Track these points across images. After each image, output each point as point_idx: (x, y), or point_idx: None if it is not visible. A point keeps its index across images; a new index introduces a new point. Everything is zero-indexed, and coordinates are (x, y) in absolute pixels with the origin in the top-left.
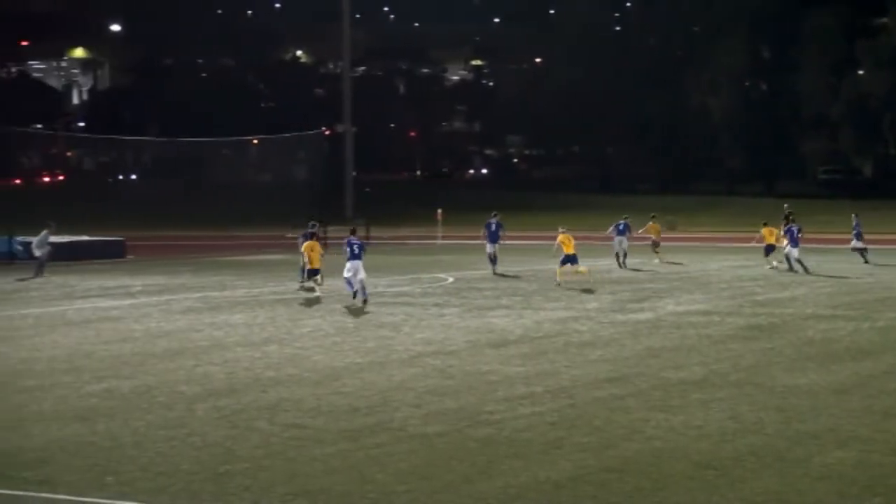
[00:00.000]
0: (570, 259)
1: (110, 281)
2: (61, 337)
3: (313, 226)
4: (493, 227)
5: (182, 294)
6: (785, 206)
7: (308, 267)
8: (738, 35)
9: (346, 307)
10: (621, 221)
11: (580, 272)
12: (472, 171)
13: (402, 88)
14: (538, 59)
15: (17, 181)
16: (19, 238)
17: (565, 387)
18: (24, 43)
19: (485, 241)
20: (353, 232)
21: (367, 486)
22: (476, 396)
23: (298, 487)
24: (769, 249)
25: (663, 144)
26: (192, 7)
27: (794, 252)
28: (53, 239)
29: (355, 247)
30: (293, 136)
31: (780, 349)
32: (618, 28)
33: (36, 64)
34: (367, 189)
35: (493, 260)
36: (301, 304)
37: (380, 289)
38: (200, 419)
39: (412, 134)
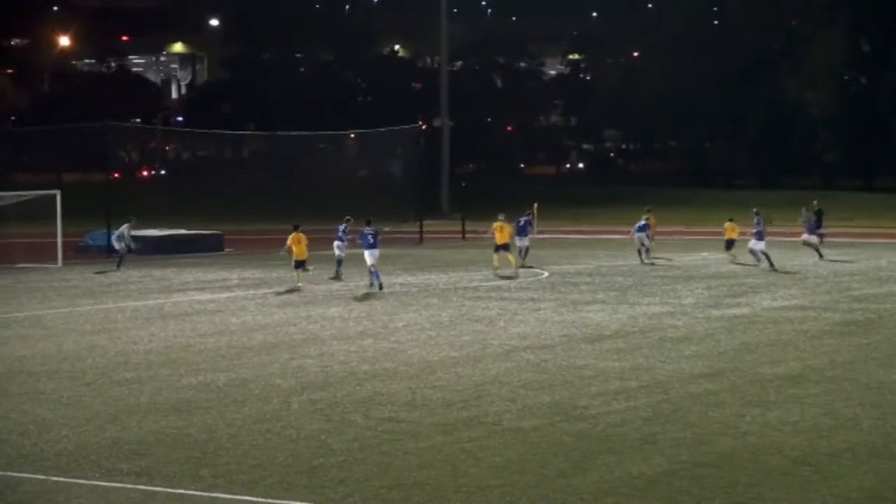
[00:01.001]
0: (503, 247)
1: (208, 274)
2: (158, 330)
3: (347, 222)
4: (522, 223)
5: (277, 287)
6: (814, 202)
7: (295, 258)
8: (838, 29)
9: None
10: (643, 218)
11: (509, 260)
12: (568, 166)
13: (499, 83)
14: (636, 54)
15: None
16: (116, 231)
17: (660, 382)
18: (124, 38)
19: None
20: (368, 223)
21: (461, 480)
22: (570, 391)
23: (392, 481)
24: (730, 244)
25: (760, 139)
26: (291, 1)
27: (758, 244)
28: (152, 233)
29: (369, 237)
30: (390, 130)
31: (876, 345)
32: (716, 22)
33: (135, 59)
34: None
35: (523, 254)
36: (398, 298)
37: (475, 283)
38: (295, 412)
39: (509, 128)
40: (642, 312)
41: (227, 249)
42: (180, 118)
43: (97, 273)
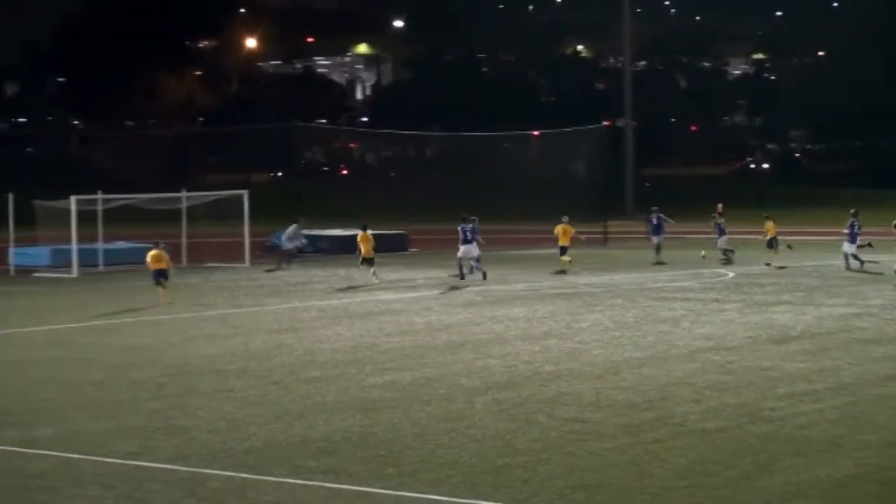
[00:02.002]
0: (563, 250)
1: (393, 274)
2: (344, 329)
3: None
4: (655, 220)
5: (462, 287)
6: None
7: (363, 256)
8: None
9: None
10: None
11: (563, 261)
12: (752, 166)
13: (682, 83)
14: (821, 53)
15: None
16: (303, 231)
17: (847, 384)
18: (310, 40)
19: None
20: (464, 220)
21: (646, 481)
22: (756, 392)
23: (577, 481)
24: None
25: None
26: (475, 2)
27: (849, 247)
28: (337, 232)
29: (468, 232)
30: (573, 130)
31: None
32: None
33: (321, 60)
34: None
35: (657, 250)
36: (582, 299)
37: (660, 284)
38: (480, 412)
39: (693, 128)
40: (828, 314)
41: (411, 249)
42: (365, 119)
43: (267, 271)
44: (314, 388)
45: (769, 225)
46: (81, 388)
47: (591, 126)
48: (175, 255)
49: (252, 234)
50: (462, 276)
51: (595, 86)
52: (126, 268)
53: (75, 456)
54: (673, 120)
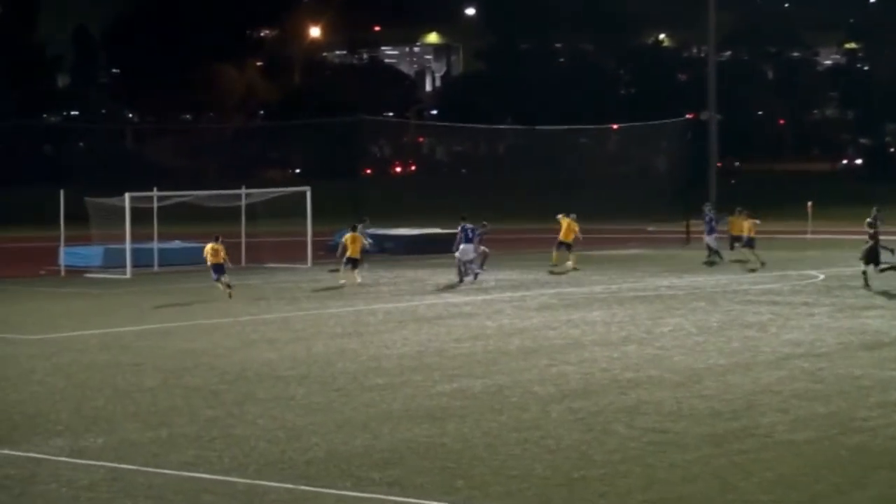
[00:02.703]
0: (565, 245)
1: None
2: (411, 333)
3: (483, 226)
4: (708, 218)
5: (536, 290)
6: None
7: (348, 256)
8: None
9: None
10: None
11: (565, 258)
12: (844, 161)
13: (769, 74)
14: None
15: (368, 171)
16: (370, 230)
17: None
18: (377, 28)
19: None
20: (463, 219)
21: (730, 494)
22: (848, 402)
23: (657, 495)
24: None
25: None
26: None
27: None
28: (404, 232)
29: (469, 231)
30: (654, 124)
31: None
32: None
33: (388, 50)
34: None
35: (712, 250)
36: (664, 302)
37: (745, 286)
38: (555, 421)
39: (781, 122)
40: None
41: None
42: (434, 112)
43: (331, 271)
44: (379, 396)
45: (748, 224)
46: (133, 395)
47: (673, 119)
48: (234, 255)
49: (314, 233)
50: (461, 280)
51: (677, 77)
52: (182, 268)
53: (126, 467)
54: (760, 113)
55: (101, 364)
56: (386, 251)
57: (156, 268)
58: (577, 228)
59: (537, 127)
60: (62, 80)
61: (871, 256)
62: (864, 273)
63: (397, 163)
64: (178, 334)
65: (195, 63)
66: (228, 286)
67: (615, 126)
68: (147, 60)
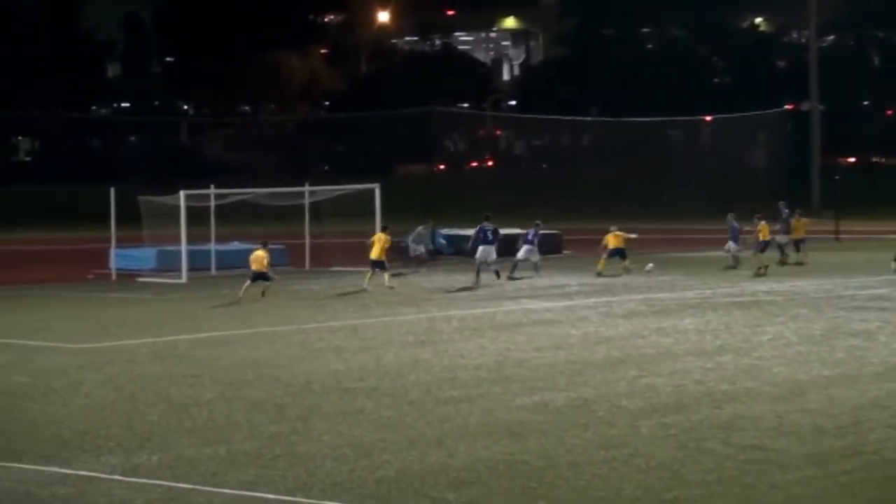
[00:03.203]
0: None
1: (544, 279)
2: (489, 342)
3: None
4: (786, 215)
5: (624, 295)
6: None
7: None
8: None
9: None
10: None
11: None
12: None
13: (876, 60)
14: None
15: (441, 167)
16: (443, 230)
17: None
18: (450, 13)
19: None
20: (486, 219)
21: None
22: None
23: None
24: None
25: None
26: None
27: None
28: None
29: (488, 233)
30: (751, 115)
31: None
32: None
33: (462, 36)
34: (837, 176)
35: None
36: (762, 308)
37: (850, 291)
38: (645, 438)
39: (889, 113)
40: None
41: (565, 252)
42: (512, 102)
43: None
44: (454, 410)
45: (762, 226)
46: (189, 408)
47: (772, 111)
48: (298, 257)
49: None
50: (477, 282)
51: (776, 64)
52: (242, 272)
53: (183, 486)
54: (865, 103)
55: (155, 375)
56: (461, 253)
57: (213, 271)
58: (627, 235)
59: (623, 119)
60: (112, 70)
61: None
62: None
63: (473, 158)
64: (238, 343)
65: (255, 51)
66: (262, 294)
67: (708, 118)
68: (203, 48)
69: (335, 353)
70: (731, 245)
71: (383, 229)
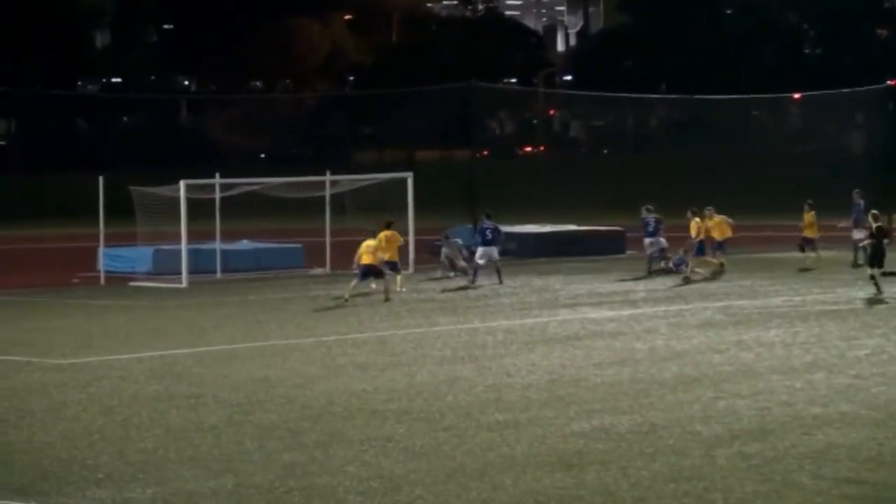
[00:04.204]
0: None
1: (605, 284)
2: (540, 357)
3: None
4: (860, 207)
5: (698, 302)
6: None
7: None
8: None
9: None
10: None
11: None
12: None
13: None
14: None
15: (485, 152)
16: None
17: None
18: None
19: None
20: (487, 216)
21: None
22: None
23: None
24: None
25: None
26: None
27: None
28: (531, 229)
29: (488, 232)
30: (847, 91)
31: None
32: None
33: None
34: None
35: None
36: (859, 318)
37: None
38: (722, 469)
39: None
40: None
41: (629, 251)
42: (568, 77)
43: (434, 279)
44: (499, 437)
45: (704, 223)
46: (190, 434)
47: (871, 87)
48: (317, 257)
49: (418, 231)
50: (473, 281)
51: (876, 33)
52: (252, 275)
53: None
54: None
55: (150, 396)
56: (509, 253)
57: (218, 274)
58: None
59: (697, 96)
60: (100, 40)
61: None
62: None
63: (522, 142)
64: (247, 358)
65: (267, 17)
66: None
67: (797, 95)
68: (207, 14)
69: (360, 369)
70: (855, 233)
71: (388, 225)
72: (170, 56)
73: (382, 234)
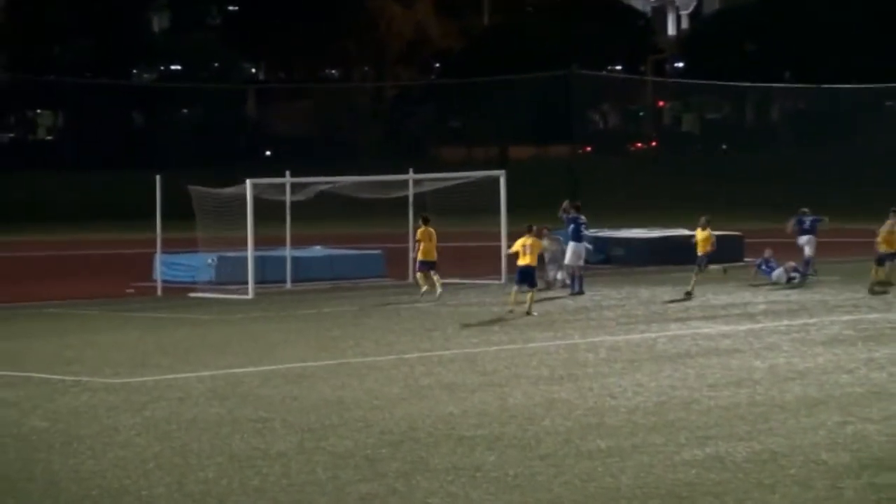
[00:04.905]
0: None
1: (720, 295)
2: (647, 377)
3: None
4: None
5: (824, 316)
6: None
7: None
8: None
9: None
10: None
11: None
12: None
13: None
14: None
15: (588, 148)
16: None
17: None
18: None
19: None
20: (577, 209)
21: None
22: None
23: None
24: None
25: None
26: None
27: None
28: (639, 233)
29: (583, 227)
30: None
31: None
32: None
33: None
34: None
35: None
36: None
37: None
38: (850, 502)
39: None
40: None
41: (747, 259)
42: (679, 64)
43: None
44: (602, 466)
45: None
46: (257, 462)
47: None
48: (399, 266)
49: (511, 236)
50: (575, 289)
51: None
52: (325, 285)
53: None
54: None
55: (212, 420)
56: (614, 261)
57: (288, 284)
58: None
59: (825, 85)
60: (157, 23)
61: None
62: None
63: (628, 137)
64: (320, 378)
65: None
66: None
67: None
68: None
69: (446, 391)
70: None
71: (426, 221)
72: (234, 40)
73: (422, 232)
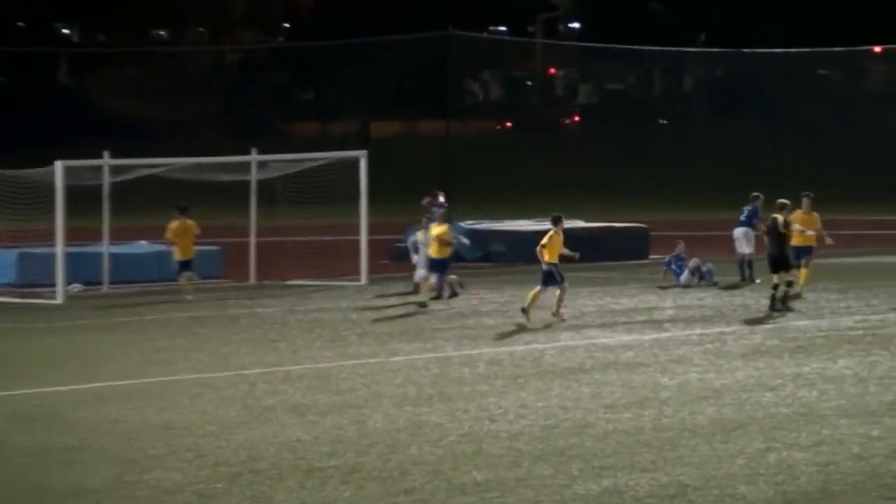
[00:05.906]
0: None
1: (622, 298)
2: (533, 396)
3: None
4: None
5: (744, 323)
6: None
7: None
8: None
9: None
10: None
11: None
12: None
13: None
14: None
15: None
16: (464, 223)
17: None
18: None
19: None
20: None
21: None
22: None
23: None
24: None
25: None
26: None
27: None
28: (524, 226)
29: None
30: None
31: None
32: None
33: None
34: None
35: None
36: None
37: None
38: None
39: None
40: None
41: (653, 256)
42: (575, 25)
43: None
44: (479, 502)
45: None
46: (66, 500)
47: None
48: (240, 263)
49: (372, 230)
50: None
51: None
52: (150, 288)
53: None
54: None
55: (12, 449)
56: (491, 257)
57: (105, 287)
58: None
59: (746, 49)
60: None
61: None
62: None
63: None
64: (142, 399)
65: None
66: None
67: (878, 48)
68: None
69: (293, 413)
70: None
71: (182, 211)
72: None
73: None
